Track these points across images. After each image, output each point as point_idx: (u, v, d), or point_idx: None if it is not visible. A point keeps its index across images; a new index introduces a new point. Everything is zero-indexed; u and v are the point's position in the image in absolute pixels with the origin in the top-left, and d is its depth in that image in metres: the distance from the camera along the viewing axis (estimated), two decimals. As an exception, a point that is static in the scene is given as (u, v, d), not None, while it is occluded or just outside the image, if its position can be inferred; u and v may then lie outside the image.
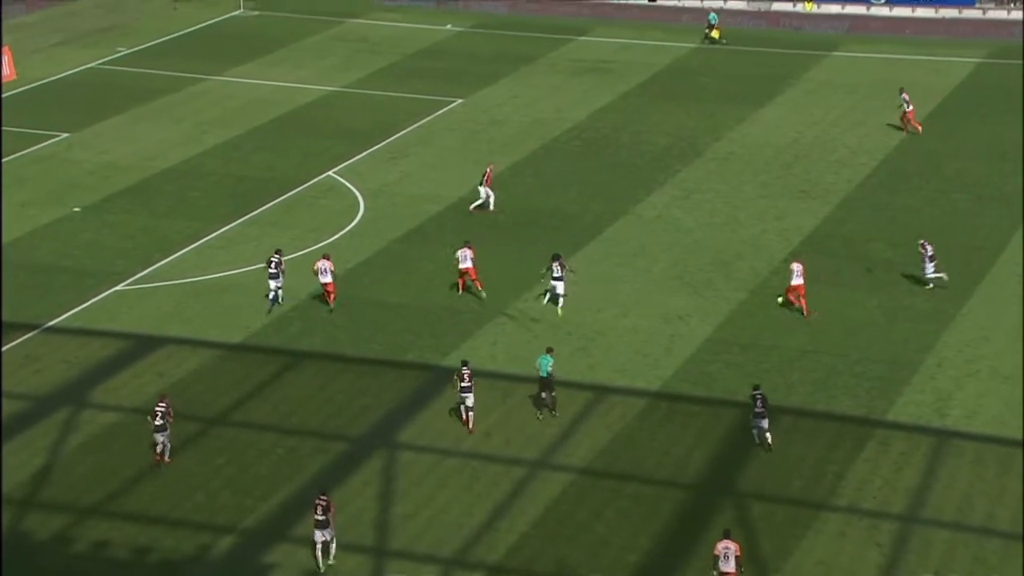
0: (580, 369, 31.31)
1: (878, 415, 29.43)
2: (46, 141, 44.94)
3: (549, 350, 29.57)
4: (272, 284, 33.70)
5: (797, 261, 34.04)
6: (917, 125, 45.66)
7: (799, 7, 60.90)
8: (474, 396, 28.54)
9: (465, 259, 34.34)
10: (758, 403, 28.04)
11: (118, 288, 34.99)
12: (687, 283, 35.61)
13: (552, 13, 61.67)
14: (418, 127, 47.49)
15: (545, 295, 34.06)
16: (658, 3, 62.16)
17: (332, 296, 33.73)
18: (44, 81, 51.67)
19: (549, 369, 29.11)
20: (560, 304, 33.74)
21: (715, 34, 57.41)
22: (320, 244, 37.52)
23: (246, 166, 43.10)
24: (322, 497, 24.92)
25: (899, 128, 45.69)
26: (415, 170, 43.48)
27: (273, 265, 33.72)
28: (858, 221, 39.29)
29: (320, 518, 24.67)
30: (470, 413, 28.74)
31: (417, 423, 29.33)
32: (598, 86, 51.98)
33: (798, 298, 33.43)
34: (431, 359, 31.77)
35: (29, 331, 32.53)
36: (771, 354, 31.93)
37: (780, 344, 32.38)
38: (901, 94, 45.82)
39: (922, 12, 59.80)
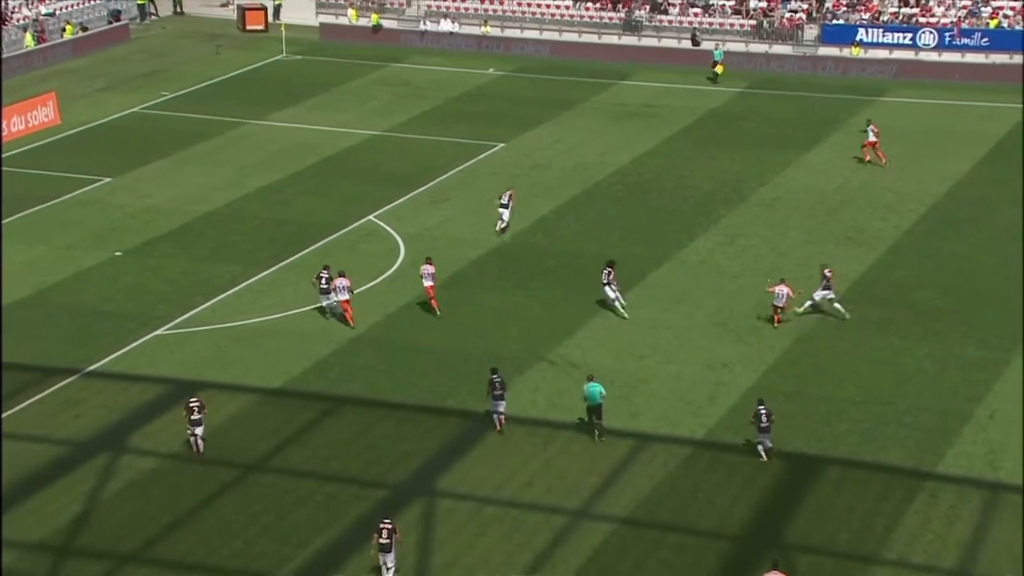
0: (622, 417, 31.22)
1: (928, 467, 29.12)
2: (89, 185, 45.56)
3: (590, 378, 30.21)
4: (324, 301, 35.55)
5: (783, 284, 34.92)
6: (881, 156, 46.63)
7: (846, 52, 60.91)
8: (506, 403, 30.16)
9: (427, 276, 35.74)
10: (763, 419, 28.72)
11: (159, 332, 35.32)
12: (731, 330, 35.50)
13: (594, 57, 62.04)
14: (460, 171, 47.80)
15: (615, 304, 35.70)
16: (702, 47, 62.43)
17: (349, 314, 35.02)
18: (88, 126, 52.45)
19: (600, 398, 29.80)
20: (621, 307, 35.65)
21: (718, 69, 57.50)
22: (361, 289, 37.72)
23: (287, 210, 43.52)
24: (386, 521, 25.24)
25: (861, 160, 46.85)
26: (456, 214, 43.72)
27: (324, 281, 35.62)
28: (907, 268, 39.07)
29: (384, 541, 24.93)
30: (502, 417, 30.07)
31: (457, 470, 29.32)
32: (641, 130, 52.15)
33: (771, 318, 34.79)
34: (471, 405, 31.78)
35: (69, 376, 32.85)
36: (818, 403, 31.73)
37: (827, 393, 32.17)
38: (868, 125, 47.16)
39: (972, 57, 59.63)
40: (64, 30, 62.65)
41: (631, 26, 64.23)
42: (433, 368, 33.58)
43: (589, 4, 65.38)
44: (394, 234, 42.07)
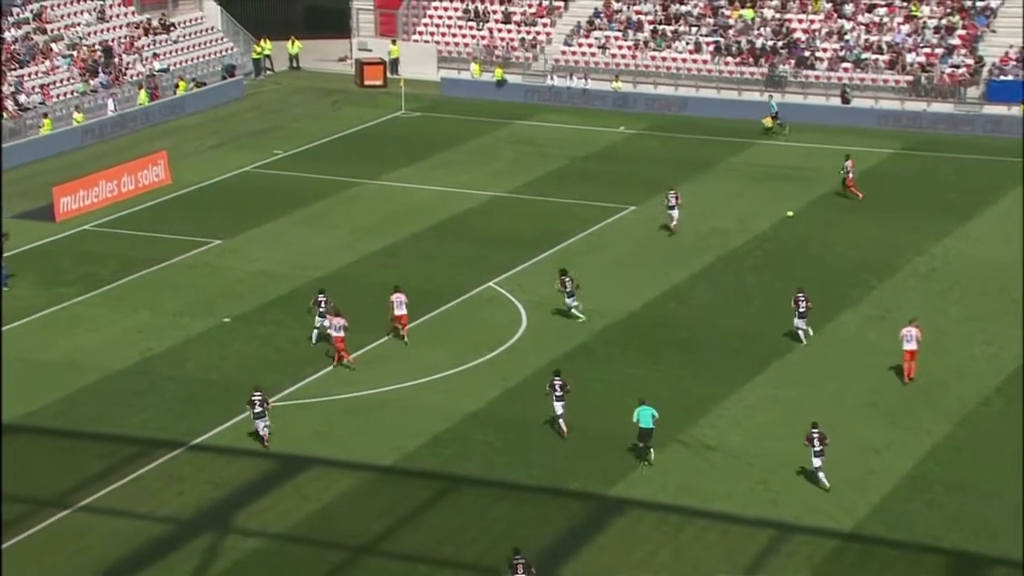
0: (760, 504, 30.68)
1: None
2: (198, 248, 46.69)
3: (643, 401, 32.23)
4: (318, 322, 37.93)
5: (912, 325, 35.80)
6: (858, 192, 49.37)
7: (1015, 111, 59.53)
8: (564, 404, 32.94)
9: (400, 305, 38.17)
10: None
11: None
12: (883, 412, 34.75)
13: (734, 115, 61.87)
14: (587, 235, 47.88)
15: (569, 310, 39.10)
16: (852, 105, 61.86)
17: (346, 354, 37.21)
18: (199, 185, 53.85)
19: (653, 422, 31.88)
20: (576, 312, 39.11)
21: (767, 122, 57.88)
22: (479, 360, 37.93)
23: (402, 275, 43.96)
24: (518, 555, 26.75)
25: (843, 196, 49.58)
26: (583, 281, 43.72)
27: (321, 305, 38.11)
28: (1081, 346, 37.93)
29: None
30: (561, 420, 33.11)
31: (580, 559, 29.06)
32: (783, 193, 51.72)
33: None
34: (597, 488, 31.55)
35: (174, 449, 33.45)
36: (981, 497, 30.77)
37: (993, 486, 31.18)
38: (846, 160, 49.91)
39: None
40: (177, 86, 64.68)
41: (774, 82, 63.99)
42: (555, 447, 33.43)
43: (729, 58, 65.38)
44: (515, 302, 42.22)
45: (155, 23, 68.03)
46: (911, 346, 35.96)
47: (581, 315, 39.76)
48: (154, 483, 32.04)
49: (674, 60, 66.14)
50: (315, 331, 38.44)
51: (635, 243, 47.15)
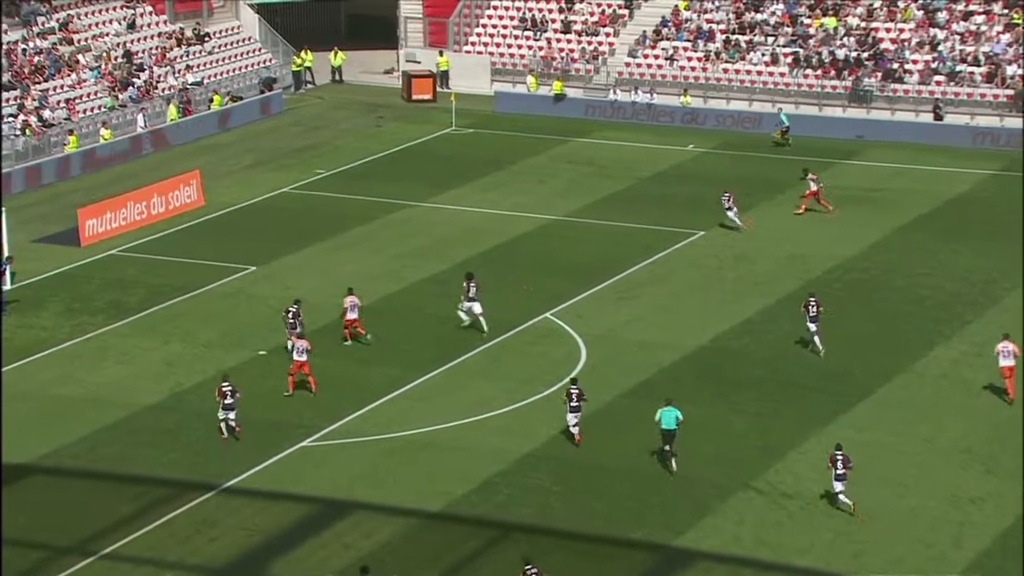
0: (843, 557, 30.42)
1: None
2: (233, 275, 47.04)
3: (668, 402, 33.68)
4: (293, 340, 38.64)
5: (1007, 341, 36.82)
6: (828, 205, 50.92)
7: None
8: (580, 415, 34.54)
9: (353, 309, 39.81)
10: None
11: (304, 444, 36.00)
12: (980, 458, 34.39)
13: (814, 132, 61.66)
14: (652, 262, 47.82)
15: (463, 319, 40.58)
16: (945, 122, 61.43)
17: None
18: (233, 208, 54.31)
19: (676, 423, 33.27)
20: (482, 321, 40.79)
21: (776, 135, 58.76)
22: (534, 397, 37.90)
23: (452, 305, 44.07)
24: (530, 566, 27.62)
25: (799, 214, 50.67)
26: (647, 313, 43.66)
27: (291, 316, 39.50)
28: None
29: None
30: (576, 428, 34.79)
31: (644, 616, 28.95)
32: (868, 218, 51.44)
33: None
34: (662, 538, 31.41)
35: (205, 492, 33.62)
36: (1087, 550, 30.34)
37: (1098, 538, 30.76)
38: (808, 175, 51.30)
39: None
40: (212, 100, 65.35)
41: (859, 96, 63.76)
42: (617, 492, 33.33)
43: (809, 71, 65.22)
44: (574, 334, 42.19)
45: (188, 33, 68.83)
46: (1008, 362, 36.36)
47: (470, 320, 41.32)
48: (184, 529, 32.23)
49: (748, 73, 66.08)
50: (290, 344, 39.36)
51: (704, 271, 47.02)
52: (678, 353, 40.56)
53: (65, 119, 60.30)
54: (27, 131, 57.89)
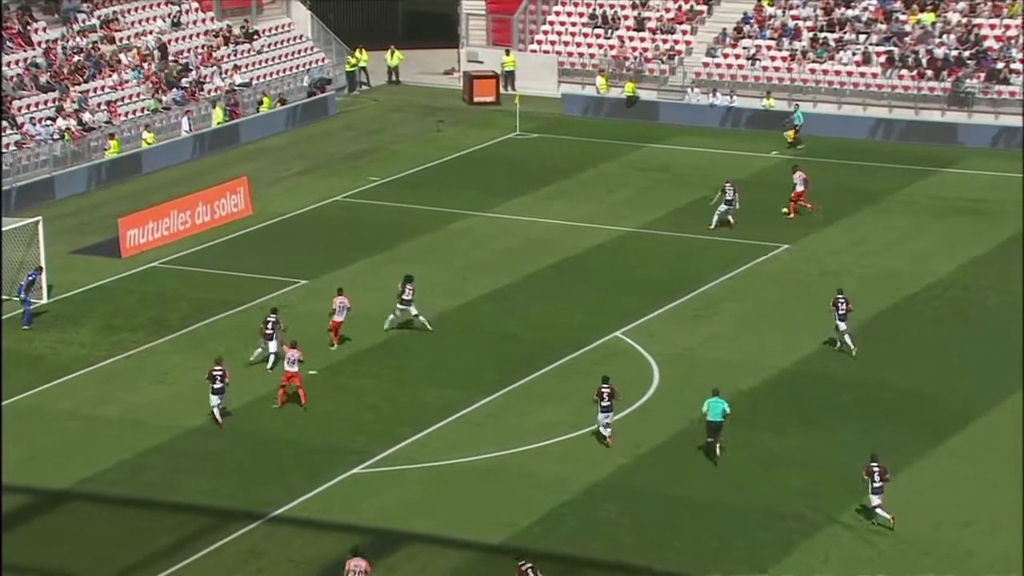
0: (939, 600, 30.25)
1: None
2: (281, 289, 47.38)
3: (716, 392, 35.51)
4: (271, 346, 40.37)
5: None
6: (799, 207, 51.86)
7: None
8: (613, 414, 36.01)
9: (342, 311, 41.30)
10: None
11: (356, 471, 36.20)
12: (1087, 492, 34.02)
13: (909, 138, 61.36)
14: (730, 278, 47.72)
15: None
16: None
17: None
18: (283, 217, 54.72)
19: (722, 415, 35.13)
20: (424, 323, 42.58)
21: (788, 136, 59.61)
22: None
23: (516, 322, 44.23)
24: (524, 562, 28.58)
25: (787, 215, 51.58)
26: (726, 331, 43.59)
27: (269, 326, 40.52)
28: None
29: None
30: (608, 430, 36.16)
31: (721, 660, 28.88)
32: (969, 232, 51.09)
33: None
34: (741, 576, 31.40)
35: (252, 522, 33.81)
36: None
37: None
38: (794, 172, 52.14)
39: None
40: (260, 103, 65.96)
41: (959, 99, 63.30)
42: (693, 526, 33.27)
43: (904, 72, 64.86)
44: (646, 355, 42.17)
45: (236, 31, 69.51)
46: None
47: (392, 326, 43.08)
48: (228, 560, 32.48)
49: (837, 74, 65.82)
50: (259, 351, 40.87)
51: (787, 288, 46.85)
52: (759, 376, 40.43)
53: (106, 122, 61.03)
54: (66, 135, 58.66)
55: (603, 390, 36.05)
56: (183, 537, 33.23)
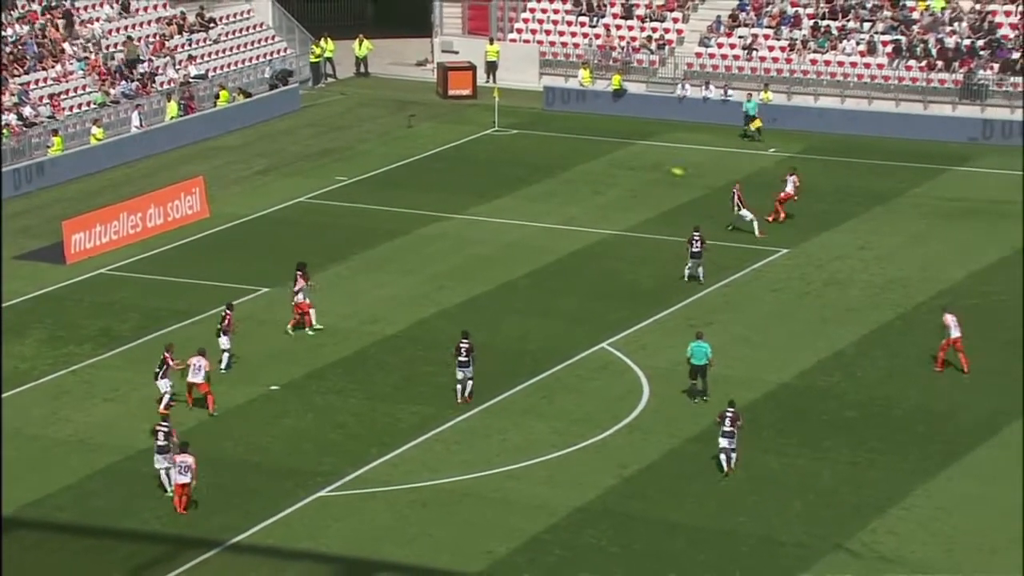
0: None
1: None
2: (241, 297, 47.23)
3: (699, 335, 38.89)
4: (223, 342, 41.45)
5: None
6: (781, 209, 52.48)
7: None
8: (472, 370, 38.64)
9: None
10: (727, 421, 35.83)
11: (322, 494, 36.24)
12: (1110, 515, 34.24)
13: (918, 134, 61.57)
14: (726, 285, 47.90)
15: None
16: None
17: (211, 398, 39.60)
18: (241, 220, 54.75)
19: (706, 359, 38.22)
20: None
21: (755, 125, 60.84)
22: (589, 441, 38.01)
23: (493, 334, 44.31)
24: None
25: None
26: (722, 343, 43.61)
27: (227, 323, 41.41)
28: None
29: None
30: (468, 384, 39.05)
31: None
32: (983, 235, 51.39)
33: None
34: (738, 608, 31.53)
35: (209, 550, 33.84)
36: None
37: None
38: (789, 175, 52.70)
39: None
40: (218, 96, 65.95)
41: (972, 92, 63.63)
42: (686, 553, 33.39)
43: (912, 62, 65.17)
44: (635, 368, 42.31)
45: (191, 18, 69.50)
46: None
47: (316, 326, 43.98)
48: (184, 591, 32.54)
49: (840, 65, 66.14)
50: (222, 356, 41.78)
51: (787, 296, 47.04)
52: (757, 391, 40.59)
53: (49, 117, 60.96)
54: (5, 131, 58.56)
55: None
56: (135, 567, 33.26)
